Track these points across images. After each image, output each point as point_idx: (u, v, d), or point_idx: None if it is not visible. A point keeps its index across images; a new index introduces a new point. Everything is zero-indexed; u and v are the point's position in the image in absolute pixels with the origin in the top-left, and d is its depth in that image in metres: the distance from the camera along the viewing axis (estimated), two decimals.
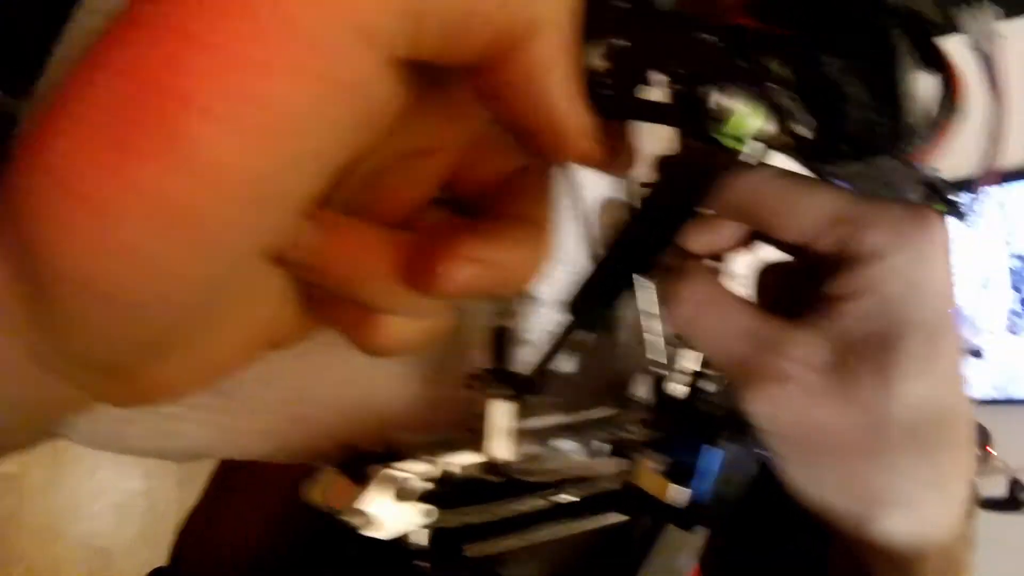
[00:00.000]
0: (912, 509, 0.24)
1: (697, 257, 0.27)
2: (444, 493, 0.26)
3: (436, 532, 0.30)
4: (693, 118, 0.19)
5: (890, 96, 0.21)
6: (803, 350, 0.23)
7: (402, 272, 0.19)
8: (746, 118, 0.19)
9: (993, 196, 1.35)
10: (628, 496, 0.35)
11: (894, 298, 0.23)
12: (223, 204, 0.13)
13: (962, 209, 0.25)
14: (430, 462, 0.25)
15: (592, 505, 0.35)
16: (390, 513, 0.24)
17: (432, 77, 0.17)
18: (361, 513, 0.23)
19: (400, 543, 0.30)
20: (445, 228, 0.20)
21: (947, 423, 0.23)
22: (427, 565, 0.29)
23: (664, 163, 0.21)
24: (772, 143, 0.23)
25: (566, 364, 0.37)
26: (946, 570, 0.26)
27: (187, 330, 0.17)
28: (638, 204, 0.22)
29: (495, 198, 0.22)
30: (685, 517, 0.27)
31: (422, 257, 0.18)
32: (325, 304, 0.21)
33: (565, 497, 0.36)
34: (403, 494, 0.24)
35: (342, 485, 0.23)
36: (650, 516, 0.30)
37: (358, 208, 0.21)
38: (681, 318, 0.25)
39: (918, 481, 0.24)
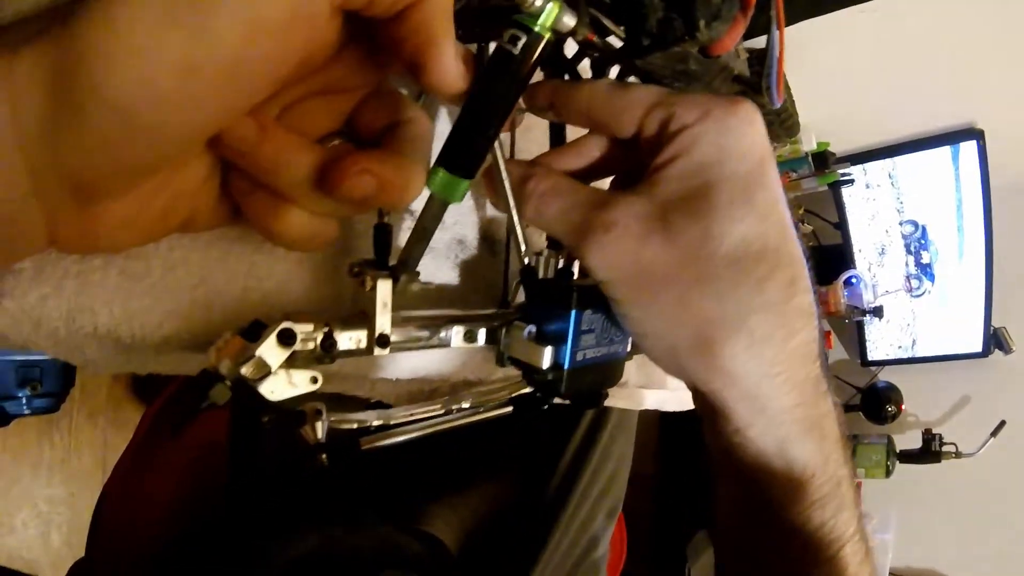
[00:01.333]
0: (746, 332, 0.27)
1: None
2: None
3: (334, 431, 0.33)
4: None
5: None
6: (628, 205, 0.27)
7: (316, 173, 0.25)
8: (552, 14, 0.25)
9: (883, 168, 1.45)
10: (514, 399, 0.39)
11: (704, 159, 0.27)
12: (219, 71, 0.19)
13: (760, 89, 0.30)
14: (323, 327, 0.27)
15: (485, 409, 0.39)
16: (280, 376, 0.26)
17: (352, 35, 0.24)
18: (254, 360, 0.24)
19: (299, 442, 0.32)
20: (349, 149, 0.26)
21: (770, 258, 0.27)
22: (324, 457, 0.32)
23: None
24: (592, 48, 0.28)
25: (452, 276, 0.40)
26: (806, 409, 0.29)
27: (155, 168, 0.22)
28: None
29: (383, 138, 0.28)
30: (552, 383, 0.30)
31: (333, 164, 0.24)
32: (243, 193, 0.26)
33: (463, 403, 0.39)
34: (294, 358, 0.26)
35: (237, 342, 0.25)
36: (528, 386, 0.33)
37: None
38: (531, 211, 0.30)
39: (747, 305, 0.27)
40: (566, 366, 0.30)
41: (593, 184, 0.36)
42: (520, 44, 0.25)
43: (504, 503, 0.60)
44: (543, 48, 0.26)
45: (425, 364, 0.39)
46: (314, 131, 0.28)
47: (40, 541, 1.29)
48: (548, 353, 0.30)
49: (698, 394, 0.30)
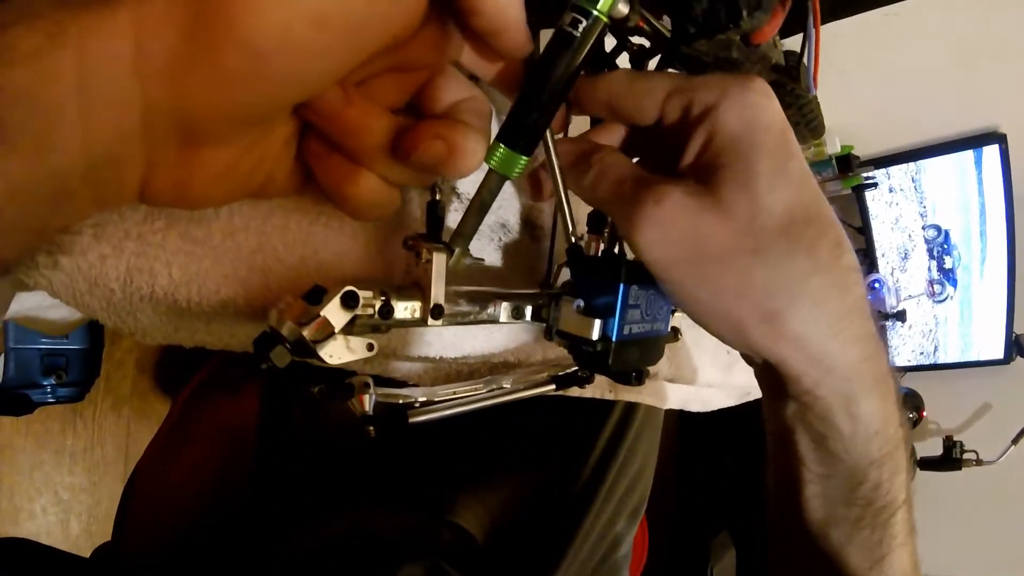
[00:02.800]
0: (807, 296, 0.28)
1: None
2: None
3: (382, 405, 0.34)
4: None
5: None
6: (677, 181, 0.28)
7: (392, 139, 0.26)
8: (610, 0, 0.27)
9: (906, 171, 1.45)
10: (556, 377, 0.39)
11: (735, 133, 0.27)
12: (345, 25, 0.21)
13: (794, 75, 0.31)
14: (381, 295, 0.28)
15: (526, 386, 0.39)
16: (339, 341, 0.27)
17: (429, 16, 0.25)
18: (318, 321, 0.25)
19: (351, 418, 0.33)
20: (418, 121, 0.27)
21: (815, 222, 0.28)
22: (371, 429, 0.32)
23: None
24: (640, 32, 0.29)
25: (495, 258, 0.41)
26: (871, 364, 0.30)
27: (267, 115, 0.24)
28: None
29: (450, 113, 0.28)
30: (600, 356, 0.31)
31: (408, 130, 0.26)
32: (318, 156, 0.27)
33: (503, 383, 0.39)
34: (353, 324, 0.27)
35: (299, 305, 0.26)
36: (574, 358, 0.34)
37: None
38: (590, 181, 0.31)
39: (803, 271, 0.27)
40: (614, 338, 0.31)
41: None
42: (581, 27, 0.27)
43: (532, 498, 0.60)
44: (599, 32, 0.27)
45: (469, 343, 0.39)
46: (384, 104, 0.29)
47: (59, 528, 1.29)
48: (597, 325, 0.30)
49: (764, 365, 0.30)
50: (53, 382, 1.15)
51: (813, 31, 0.30)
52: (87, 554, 1.28)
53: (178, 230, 0.29)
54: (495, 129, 0.30)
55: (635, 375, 0.34)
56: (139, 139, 0.21)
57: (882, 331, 0.31)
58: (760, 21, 0.28)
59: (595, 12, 0.27)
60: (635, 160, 0.36)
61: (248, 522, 0.54)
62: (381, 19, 0.22)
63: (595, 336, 0.30)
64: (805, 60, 0.30)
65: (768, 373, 0.31)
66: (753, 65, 0.31)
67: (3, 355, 1.10)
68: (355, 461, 0.55)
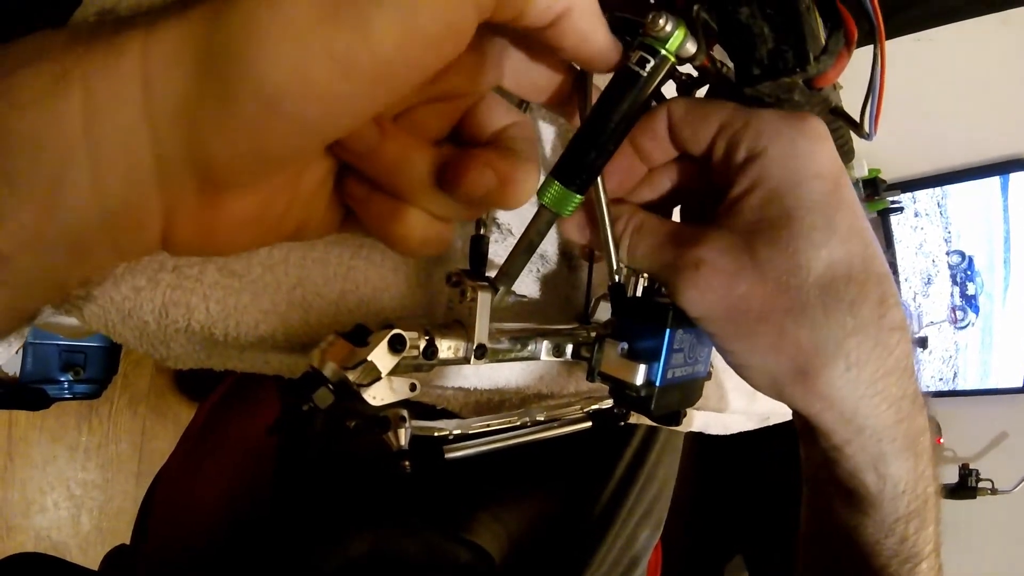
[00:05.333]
0: (843, 357, 0.27)
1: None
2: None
3: (416, 438, 0.33)
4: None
5: (793, 30, 0.26)
6: (713, 241, 0.27)
7: (436, 172, 0.25)
8: (679, 39, 0.26)
9: (932, 196, 1.43)
10: (593, 413, 0.39)
11: (780, 186, 0.27)
12: (372, 72, 0.19)
13: (855, 121, 0.30)
14: (425, 336, 0.27)
15: (560, 421, 0.39)
16: (383, 382, 0.26)
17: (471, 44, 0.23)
18: (365, 365, 0.24)
19: (382, 449, 0.32)
20: (463, 152, 0.26)
21: (858, 279, 0.27)
22: (407, 464, 0.32)
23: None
24: (702, 71, 0.28)
25: (532, 289, 0.41)
26: (904, 427, 0.29)
27: (289, 161, 0.22)
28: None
29: (497, 140, 0.27)
30: (643, 401, 0.30)
31: (455, 161, 0.25)
32: (360, 199, 0.26)
33: (537, 416, 0.39)
34: (397, 365, 0.26)
35: (343, 346, 0.25)
36: (614, 400, 0.33)
37: None
38: (622, 250, 0.31)
39: (841, 331, 0.26)
40: (658, 383, 0.30)
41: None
42: (648, 66, 0.26)
43: (551, 518, 0.60)
44: (666, 72, 0.26)
45: (504, 375, 0.39)
46: (425, 137, 0.28)
47: (70, 523, 1.30)
48: (642, 370, 0.30)
49: (796, 413, 0.30)
50: (70, 378, 1.15)
51: (879, 73, 0.29)
52: (97, 550, 1.28)
53: (216, 263, 0.28)
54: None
55: (674, 416, 0.33)
56: (154, 186, 0.20)
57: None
58: (826, 65, 0.27)
59: (663, 51, 0.26)
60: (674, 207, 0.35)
61: (268, 540, 0.54)
62: (413, 64, 0.20)
63: (639, 381, 0.30)
64: (869, 108, 0.29)
65: (802, 422, 0.30)
66: (814, 108, 0.30)
67: (21, 350, 1.10)
68: (372, 477, 0.55)
